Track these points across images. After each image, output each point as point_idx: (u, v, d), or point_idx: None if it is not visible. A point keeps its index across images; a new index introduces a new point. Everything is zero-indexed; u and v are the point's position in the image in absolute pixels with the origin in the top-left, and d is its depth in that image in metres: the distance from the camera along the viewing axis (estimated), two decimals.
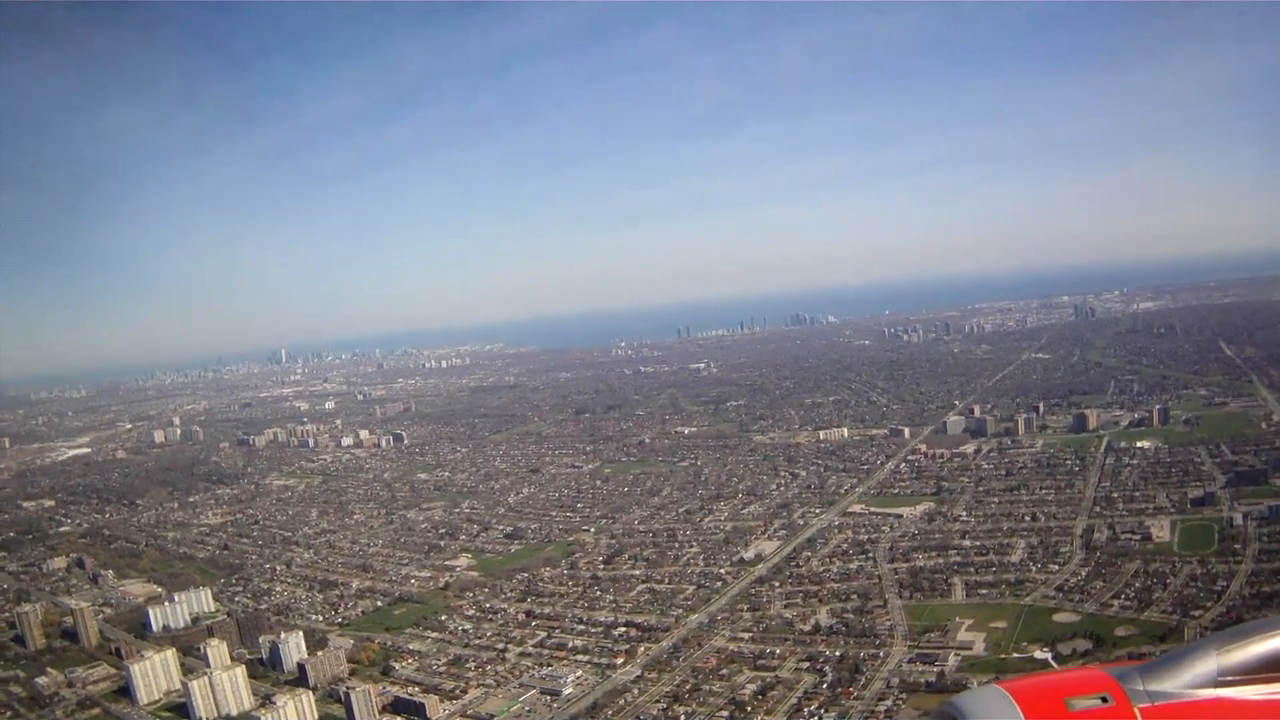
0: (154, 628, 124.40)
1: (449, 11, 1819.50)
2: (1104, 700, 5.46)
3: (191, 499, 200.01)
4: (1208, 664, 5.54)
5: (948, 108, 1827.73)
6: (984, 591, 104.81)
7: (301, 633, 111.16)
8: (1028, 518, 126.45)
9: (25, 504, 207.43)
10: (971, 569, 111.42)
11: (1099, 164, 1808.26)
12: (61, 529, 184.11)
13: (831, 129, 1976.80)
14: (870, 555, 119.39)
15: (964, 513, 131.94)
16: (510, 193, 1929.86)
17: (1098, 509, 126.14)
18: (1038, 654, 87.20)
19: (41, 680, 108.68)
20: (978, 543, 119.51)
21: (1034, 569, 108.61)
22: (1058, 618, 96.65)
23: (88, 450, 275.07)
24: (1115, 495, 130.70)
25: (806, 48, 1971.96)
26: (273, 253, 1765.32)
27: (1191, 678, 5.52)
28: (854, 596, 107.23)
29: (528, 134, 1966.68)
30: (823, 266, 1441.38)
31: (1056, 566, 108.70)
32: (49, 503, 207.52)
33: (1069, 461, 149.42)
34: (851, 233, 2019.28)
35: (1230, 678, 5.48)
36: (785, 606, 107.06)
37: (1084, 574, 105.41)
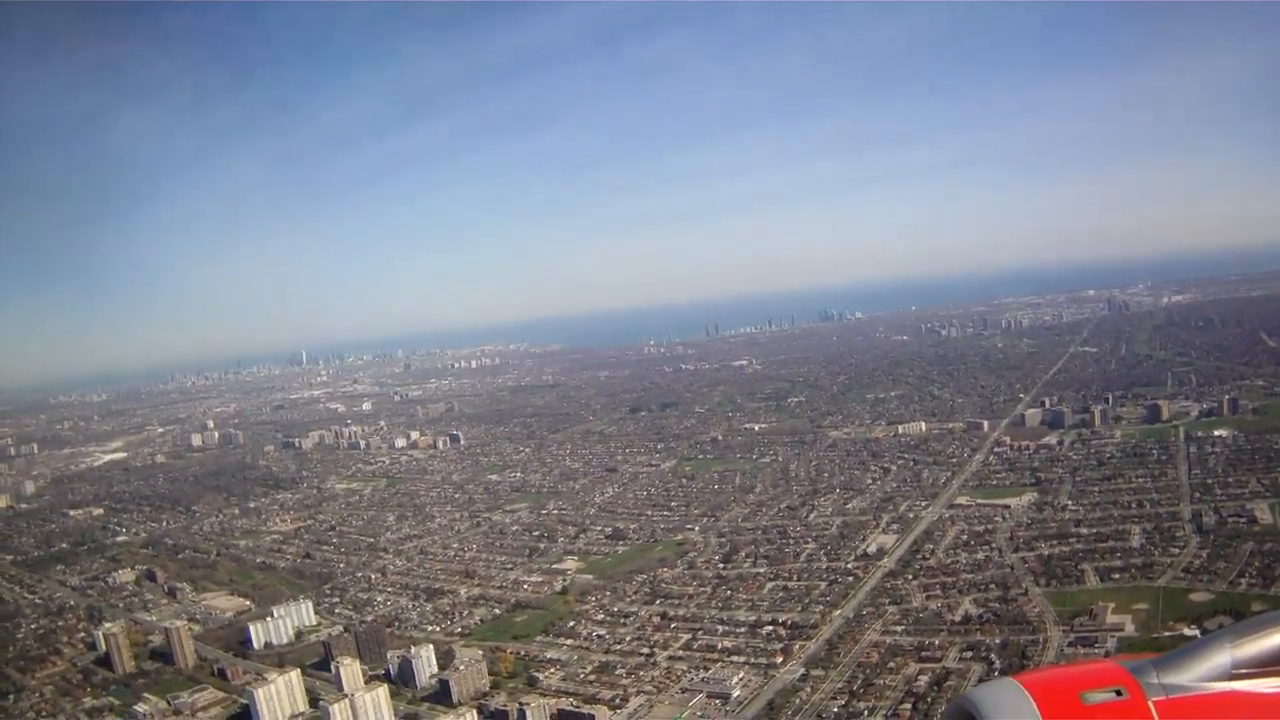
0: (255, 645, 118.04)
1: (466, 16, 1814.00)
2: (1118, 694, 5.39)
3: (251, 504, 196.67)
4: (1222, 657, 5.49)
5: (964, 108, 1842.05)
6: (1116, 576, 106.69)
7: (432, 646, 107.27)
8: (1134, 505, 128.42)
9: (72, 512, 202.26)
10: (1097, 555, 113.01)
11: (1114, 161, 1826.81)
12: (118, 539, 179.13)
13: (849, 129, 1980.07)
14: (993, 545, 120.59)
15: (1070, 502, 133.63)
16: (524, 195, 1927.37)
17: (1197, 494, 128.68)
18: (1186, 631, 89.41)
19: (141, 708, 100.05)
20: (1094, 530, 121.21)
21: (1156, 553, 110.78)
22: (1193, 597, 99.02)
23: (123, 455, 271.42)
24: (1210, 481, 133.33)
25: (824, 50, 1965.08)
26: (289, 256, 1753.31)
27: (1205, 671, 5.48)
28: (992, 586, 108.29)
29: (542, 137, 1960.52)
30: (843, 263, 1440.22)
31: (1177, 550, 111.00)
32: (97, 511, 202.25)
33: (1154, 451, 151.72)
34: (870, 230, 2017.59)
35: (1244, 670, 5.45)
36: (927, 598, 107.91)
37: (1205, 555, 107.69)
